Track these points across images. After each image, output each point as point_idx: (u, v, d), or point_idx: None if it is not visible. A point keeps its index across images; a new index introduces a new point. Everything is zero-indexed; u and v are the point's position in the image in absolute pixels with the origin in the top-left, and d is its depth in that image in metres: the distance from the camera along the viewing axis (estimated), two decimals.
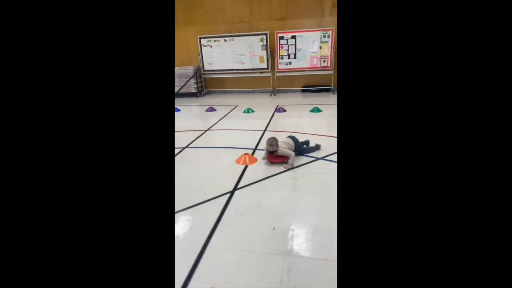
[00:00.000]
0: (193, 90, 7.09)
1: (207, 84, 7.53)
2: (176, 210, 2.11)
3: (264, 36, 6.60)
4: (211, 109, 5.56)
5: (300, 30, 6.46)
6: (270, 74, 6.93)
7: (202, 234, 1.82)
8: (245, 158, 2.96)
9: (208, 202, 2.23)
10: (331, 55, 6.50)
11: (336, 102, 5.55)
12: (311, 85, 6.92)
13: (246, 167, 2.82)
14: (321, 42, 6.44)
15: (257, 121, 4.66)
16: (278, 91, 7.16)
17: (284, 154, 2.78)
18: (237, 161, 2.95)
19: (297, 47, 6.57)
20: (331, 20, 6.36)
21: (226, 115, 5.13)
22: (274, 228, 1.85)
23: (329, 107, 5.21)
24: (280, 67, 6.79)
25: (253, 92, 7.33)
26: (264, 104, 5.94)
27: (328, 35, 6.35)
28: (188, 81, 7.00)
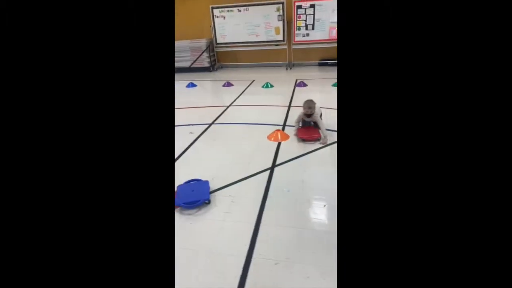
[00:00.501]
0: (206, 65, 6.86)
1: (220, 58, 7.27)
2: (219, 186, 2.09)
3: (281, 6, 6.23)
4: (228, 84, 5.40)
5: None
6: (286, 47, 6.64)
7: (252, 211, 1.81)
8: (277, 134, 2.89)
9: (250, 178, 2.20)
10: None
11: None
12: (328, 58, 6.65)
13: (279, 143, 2.76)
14: None
15: (279, 96, 4.53)
16: (293, 65, 6.90)
17: (317, 122, 2.71)
18: (269, 137, 2.89)
19: (315, 17, 6.22)
20: None
21: (244, 90, 4.99)
22: (325, 205, 1.82)
23: None
24: (297, 39, 6.49)
25: (267, 66, 7.08)
26: (281, 79, 5.75)
27: None
28: (200, 55, 6.75)
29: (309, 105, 2.70)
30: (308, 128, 2.86)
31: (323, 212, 1.77)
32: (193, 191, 1.94)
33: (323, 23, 6.23)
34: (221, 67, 7.34)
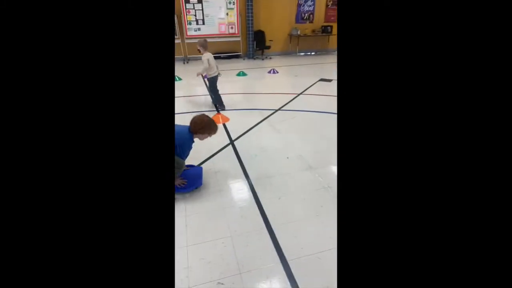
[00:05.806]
0: None
1: None
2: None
3: None
4: None
5: None
6: (179, 41, 6.71)
7: (237, 173, 2.15)
8: (218, 117, 3.22)
9: (217, 154, 2.48)
10: (237, 22, 6.91)
11: (254, 67, 6.20)
12: (221, 52, 7.21)
13: (224, 124, 3.11)
14: (227, 8, 6.72)
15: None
16: (189, 59, 7.06)
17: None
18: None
19: (204, 12, 6.59)
20: None
21: None
22: (287, 157, 2.39)
23: (252, 71, 5.82)
24: (189, 33, 6.67)
25: None
26: (185, 72, 5.87)
27: (233, 2, 6.68)
28: None
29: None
30: None
31: (290, 161, 2.34)
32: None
33: (212, 18, 6.70)
34: None
